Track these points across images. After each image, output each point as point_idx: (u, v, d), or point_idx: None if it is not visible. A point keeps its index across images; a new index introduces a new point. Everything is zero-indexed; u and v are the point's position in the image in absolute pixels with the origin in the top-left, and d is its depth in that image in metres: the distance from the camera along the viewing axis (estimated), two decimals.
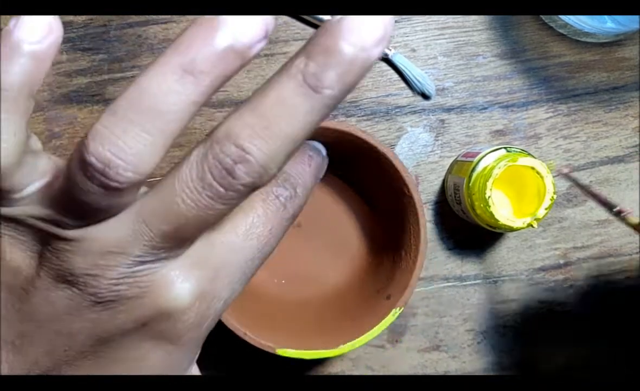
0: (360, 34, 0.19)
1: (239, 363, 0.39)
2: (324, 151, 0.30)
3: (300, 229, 0.37)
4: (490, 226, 0.35)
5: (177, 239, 0.21)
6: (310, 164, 0.28)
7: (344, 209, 0.38)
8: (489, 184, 0.33)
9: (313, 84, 0.20)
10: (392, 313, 0.32)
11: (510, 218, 0.34)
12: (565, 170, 0.33)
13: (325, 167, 0.30)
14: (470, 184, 0.34)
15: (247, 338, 0.31)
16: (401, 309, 0.33)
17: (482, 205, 0.33)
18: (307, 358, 0.32)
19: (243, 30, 0.20)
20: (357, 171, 0.36)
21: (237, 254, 0.24)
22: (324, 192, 0.37)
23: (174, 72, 0.19)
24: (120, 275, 0.21)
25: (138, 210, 0.21)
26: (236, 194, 0.21)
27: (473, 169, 0.35)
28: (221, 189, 0.20)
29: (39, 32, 0.20)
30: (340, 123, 0.32)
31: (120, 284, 0.22)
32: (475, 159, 0.35)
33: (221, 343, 0.39)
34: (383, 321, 0.32)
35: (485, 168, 0.34)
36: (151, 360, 0.24)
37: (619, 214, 0.30)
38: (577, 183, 0.32)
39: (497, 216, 0.33)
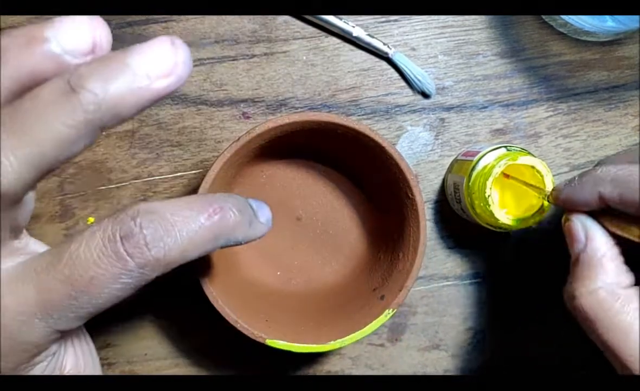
0: (149, 60, 0.19)
1: (230, 352, 0.39)
2: (263, 217, 0.25)
3: (300, 223, 0.38)
4: (490, 225, 0.35)
5: None
6: (210, 217, 0.22)
7: (345, 204, 0.38)
8: (488, 183, 0.33)
9: (74, 83, 0.18)
10: (384, 314, 0.32)
11: (510, 217, 0.34)
12: None
13: (255, 235, 0.25)
14: (470, 183, 0.34)
15: (238, 326, 0.31)
16: (394, 311, 0.33)
17: (481, 204, 0.33)
18: (296, 351, 0.32)
19: (68, 40, 0.19)
20: (362, 168, 0.36)
21: (41, 293, 0.20)
22: (326, 187, 0.37)
23: None
24: None
25: None
26: None
27: (473, 168, 0.35)
28: None
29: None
30: (349, 119, 0.32)
31: None
32: (475, 158, 0.35)
33: (213, 330, 0.39)
34: (375, 322, 0.32)
35: (485, 167, 0.34)
36: None
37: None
38: None
39: (497, 215, 0.33)
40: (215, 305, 0.31)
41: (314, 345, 0.32)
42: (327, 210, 0.38)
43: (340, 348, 0.38)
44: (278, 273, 0.38)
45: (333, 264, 0.38)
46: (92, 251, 0.20)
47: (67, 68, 0.19)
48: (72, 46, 0.19)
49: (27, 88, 0.19)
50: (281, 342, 0.32)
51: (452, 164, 0.38)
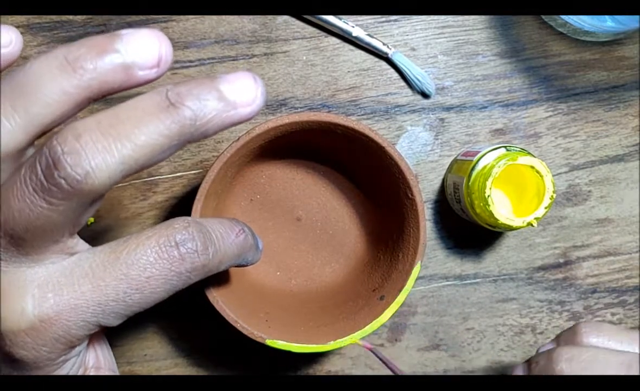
0: (237, 89, 0.21)
1: (230, 352, 0.39)
2: (260, 245, 0.29)
3: (299, 223, 0.38)
4: (490, 225, 0.35)
5: (10, 237, 0.21)
6: (238, 235, 0.26)
7: (345, 205, 0.38)
8: (488, 183, 0.33)
9: (173, 99, 0.20)
10: (384, 314, 0.32)
11: (509, 217, 0.34)
12: (368, 345, 0.32)
13: (255, 259, 0.28)
14: (470, 184, 0.34)
15: (238, 327, 0.31)
16: (393, 312, 0.33)
17: (481, 204, 0.33)
18: (295, 351, 0.32)
19: (137, 53, 0.20)
20: (362, 168, 0.36)
21: (98, 289, 0.22)
22: (326, 187, 0.37)
23: (56, 58, 0.20)
24: None
25: None
26: (58, 192, 0.20)
27: (473, 168, 0.35)
28: (44, 181, 0.19)
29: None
30: (349, 119, 0.32)
31: None
32: (475, 158, 0.35)
33: (213, 331, 0.39)
34: (374, 322, 0.32)
35: (484, 167, 0.34)
36: None
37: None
38: (377, 356, 0.32)
39: (496, 215, 0.33)
40: (215, 305, 0.31)
41: (314, 345, 0.32)
42: (327, 210, 0.38)
43: (340, 348, 0.38)
44: (278, 273, 0.38)
45: (333, 265, 0.38)
46: (149, 252, 0.22)
47: (134, 80, 0.21)
48: (141, 60, 0.21)
49: (92, 100, 0.21)
50: (281, 342, 0.32)
51: (451, 165, 0.38)
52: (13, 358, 0.22)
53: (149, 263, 0.22)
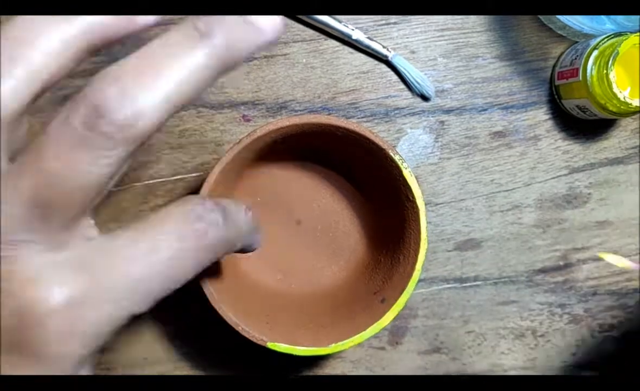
0: (257, 17, 0.21)
1: (231, 355, 0.39)
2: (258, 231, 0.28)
3: (299, 226, 0.37)
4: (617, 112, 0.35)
5: (41, 209, 0.18)
6: (246, 212, 0.25)
7: (345, 207, 0.38)
8: (609, 64, 0.34)
9: (202, 29, 0.20)
10: (385, 317, 0.32)
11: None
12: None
13: (257, 244, 0.27)
14: (592, 81, 0.35)
15: (239, 330, 0.31)
16: (395, 315, 0.32)
17: (604, 83, 0.34)
18: (297, 354, 0.32)
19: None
20: (362, 170, 0.36)
21: (129, 266, 0.20)
22: (326, 189, 0.37)
23: (58, 17, 0.20)
24: None
25: (8, 170, 0.19)
26: (106, 141, 0.18)
27: (587, 61, 0.35)
28: (87, 133, 0.18)
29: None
30: (349, 122, 0.32)
31: None
32: (589, 49, 0.35)
33: (214, 334, 0.39)
34: (375, 325, 0.32)
35: (604, 48, 0.34)
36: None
37: None
38: None
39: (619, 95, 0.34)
40: (217, 308, 0.31)
41: (315, 348, 0.32)
42: (327, 213, 0.38)
43: (341, 351, 0.38)
44: (278, 277, 0.38)
45: (333, 267, 0.38)
46: (171, 231, 0.21)
47: (136, 26, 0.21)
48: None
49: (91, 51, 0.21)
50: (282, 345, 0.32)
51: (558, 92, 0.38)
52: (36, 354, 0.19)
53: (171, 242, 0.20)
